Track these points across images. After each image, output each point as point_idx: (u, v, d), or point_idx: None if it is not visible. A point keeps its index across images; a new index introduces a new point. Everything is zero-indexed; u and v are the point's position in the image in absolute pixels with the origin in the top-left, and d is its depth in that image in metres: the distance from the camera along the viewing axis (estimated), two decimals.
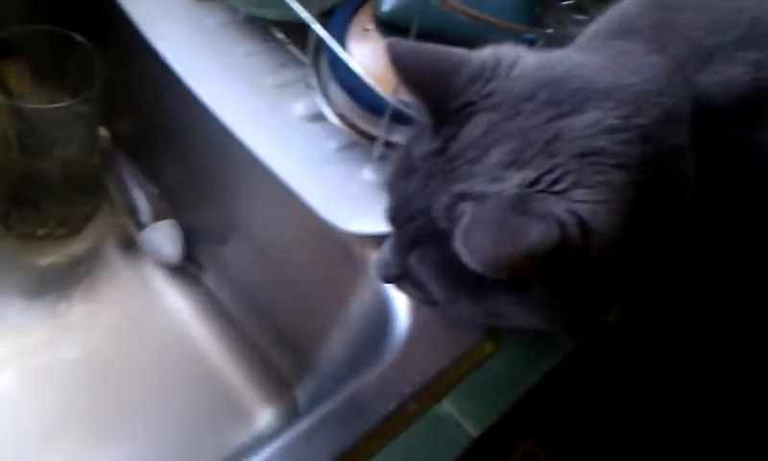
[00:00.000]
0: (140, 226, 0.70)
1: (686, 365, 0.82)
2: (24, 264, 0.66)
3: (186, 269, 0.70)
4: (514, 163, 0.37)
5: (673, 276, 0.58)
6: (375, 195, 0.57)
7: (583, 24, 0.66)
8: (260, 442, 0.44)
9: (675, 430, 0.82)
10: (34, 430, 0.58)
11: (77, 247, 0.69)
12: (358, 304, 0.55)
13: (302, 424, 0.44)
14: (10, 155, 0.63)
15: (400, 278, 0.43)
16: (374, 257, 0.46)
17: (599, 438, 0.83)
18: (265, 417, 0.62)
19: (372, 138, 0.59)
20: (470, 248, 0.34)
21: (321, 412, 0.45)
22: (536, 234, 0.34)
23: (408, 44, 0.42)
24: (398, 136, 0.57)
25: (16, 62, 0.64)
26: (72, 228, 0.69)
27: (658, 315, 0.69)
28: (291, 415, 0.61)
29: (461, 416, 0.46)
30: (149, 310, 0.67)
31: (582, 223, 0.35)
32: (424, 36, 0.50)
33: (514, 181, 0.36)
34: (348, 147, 0.60)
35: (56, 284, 0.66)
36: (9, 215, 0.67)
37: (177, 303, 0.68)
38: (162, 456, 0.59)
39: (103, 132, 0.72)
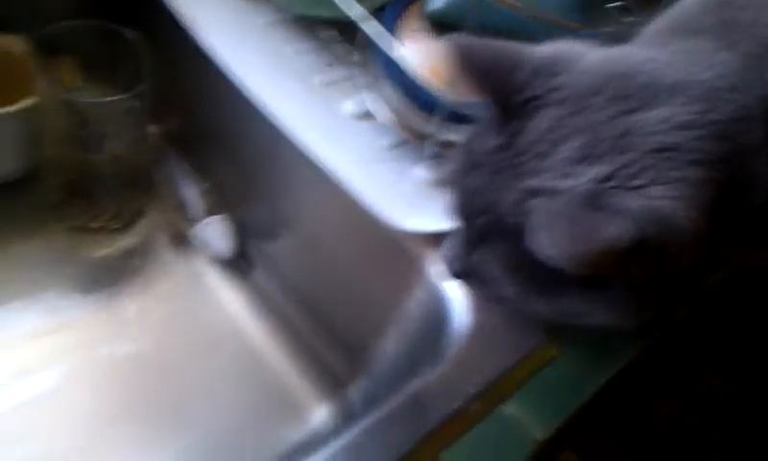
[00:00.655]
0: (192, 221, 0.70)
1: (736, 374, 0.80)
2: (76, 258, 0.67)
3: (238, 264, 0.70)
4: (585, 159, 0.36)
5: (735, 280, 0.57)
6: (428, 193, 0.57)
7: (631, 25, 0.65)
8: (319, 440, 0.44)
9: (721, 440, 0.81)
10: (86, 424, 0.58)
11: (129, 241, 0.69)
12: (413, 303, 0.55)
13: (364, 422, 0.44)
14: (62, 148, 0.63)
15: (469, 273, 0.43)
16: (443, 253, 0.46)
17: (640, 445, 0.81)
18: (318, 415, 0.62)
19: (423, 137, 0.59)
20: (546, 244, 0.34)
21: (383, 410, 0.44)
22: (613, 230, 0.33)
23: (469, 39, 0.42)
24: (451, 134, 0.57)
25: (68, 58, 0.64)
26: (124, 222, 0.69)
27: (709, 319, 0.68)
28: (346, 413, 0.61)
29: (526, 419, 0.46)
30: (200, 305, 0.67)
31: (661, 219, 0.34)
32: (475, 34, 0.50)
33: (586, 177, 0.36)
34: (399, 145, 0.60)
35: (108, 279, 0.67)
36: (62, 208, 0.67)
37: (229, 299, 0.68)
38: (214, 452, 0.59)
39: (154, 128, 0.72)
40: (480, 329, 0.49)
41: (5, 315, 0.62)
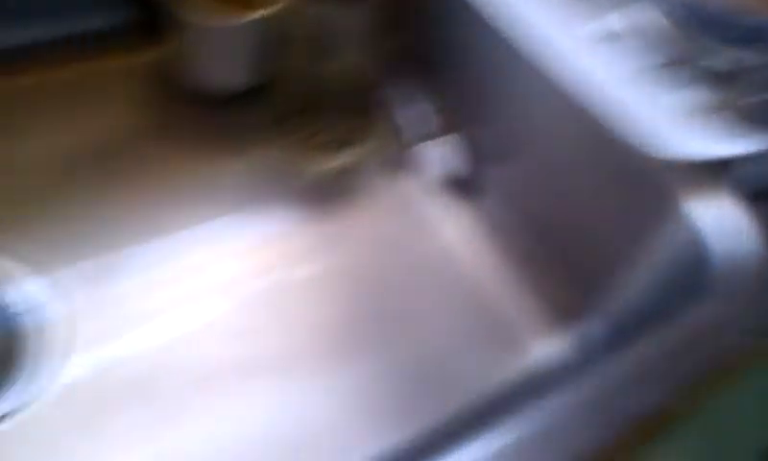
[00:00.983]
0: (417, 141, 0.68)
1: None
2: (293, 173, 0.66)
3: (463, 187, 0.67)
4: None
5: None
6: (686, 120, 0.51)
7: None
8: (551, 376, 0.40)
9: None
10: (290, 340, 0.57)
11: (349, 159, 0.68)
12: (664, 237, 0.49)
13: (613, 363, 0.39)
14: (293, 61, 0.63)
15: None
16: (741, 172, 0.40)
17: None
18: (543, 349, 0.58)
19: (683, 60, 0.53)
20: None
21: (637, 350, 0.40)
22: None
23: None
24: (725, 55, 0.50)
25: None
26: (346, 139, 0.69)
27: None
28: (582, 350, 0.57)
29: None
30: (419, 227, 0.65)
31: None
32: None
33: None
34: (654, 68, 0.54)
35: (323, 196, 0.66)
36: (285, 122, 0.67)
37: (451, 222, 0.66)
38: (426, 376, 0.57)
39: (384, 45, 0.71)
40: (754, 269, 0.43)
41: (217, 228, 0.62)
